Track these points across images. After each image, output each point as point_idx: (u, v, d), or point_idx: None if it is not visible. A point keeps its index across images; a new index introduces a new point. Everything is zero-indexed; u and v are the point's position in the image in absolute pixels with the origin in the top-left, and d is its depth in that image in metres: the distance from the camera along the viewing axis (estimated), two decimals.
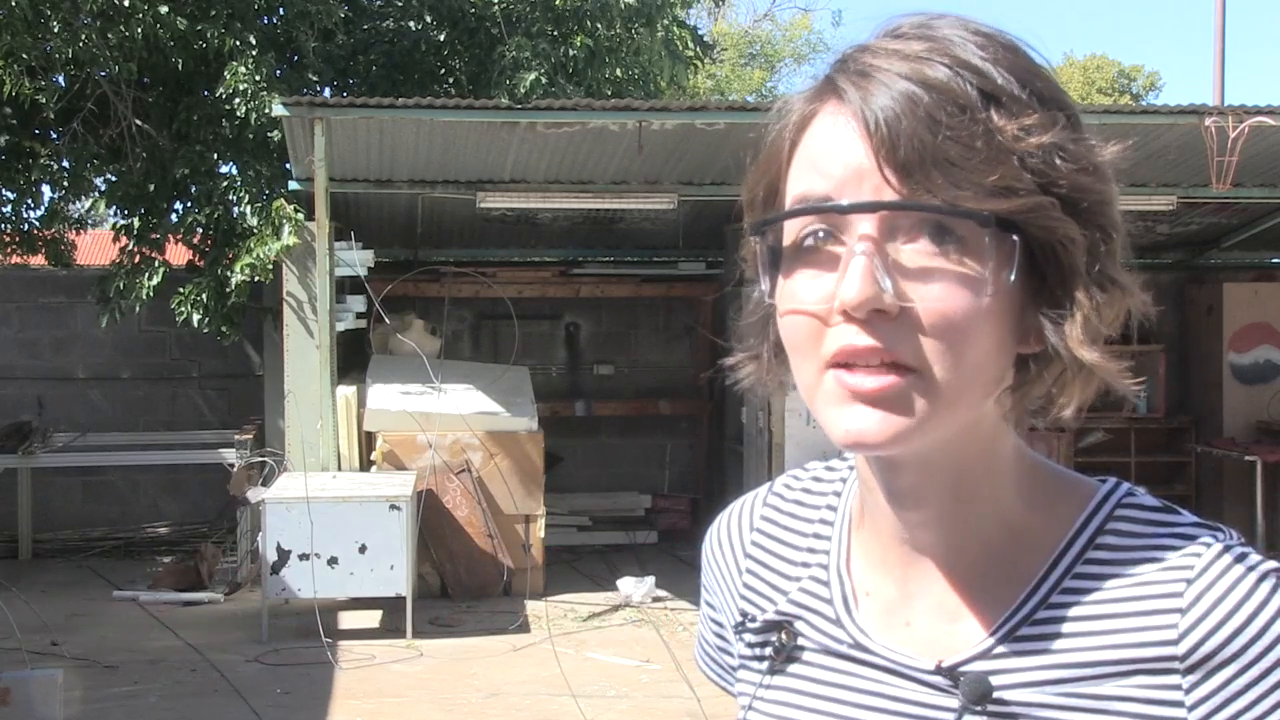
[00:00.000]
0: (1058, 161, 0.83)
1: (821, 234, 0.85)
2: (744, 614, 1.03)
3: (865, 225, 0.82)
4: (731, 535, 1.09)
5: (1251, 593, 0.85)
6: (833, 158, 0.85)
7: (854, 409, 0.83)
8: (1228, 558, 0.87)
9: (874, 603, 0.96)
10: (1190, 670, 0.85)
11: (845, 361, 0.83)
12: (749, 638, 1.02)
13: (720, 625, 1.11)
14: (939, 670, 0.90)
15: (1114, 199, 0.87)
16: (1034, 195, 0.82)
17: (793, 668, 0.98)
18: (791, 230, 0.87)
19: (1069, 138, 0.85)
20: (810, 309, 0.84)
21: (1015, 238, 0.82)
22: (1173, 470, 10.97)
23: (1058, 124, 0.84)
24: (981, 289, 0.82)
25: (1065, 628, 0.88)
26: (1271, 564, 0.88)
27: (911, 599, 0.94)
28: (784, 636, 0.99)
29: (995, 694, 0.88)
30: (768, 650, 1.00)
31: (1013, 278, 0.82)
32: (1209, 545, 0.88)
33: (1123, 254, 0.87)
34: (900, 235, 0.82)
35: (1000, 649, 0.89)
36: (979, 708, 0.88)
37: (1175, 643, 0.85)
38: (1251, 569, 0.86)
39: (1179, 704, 0.85)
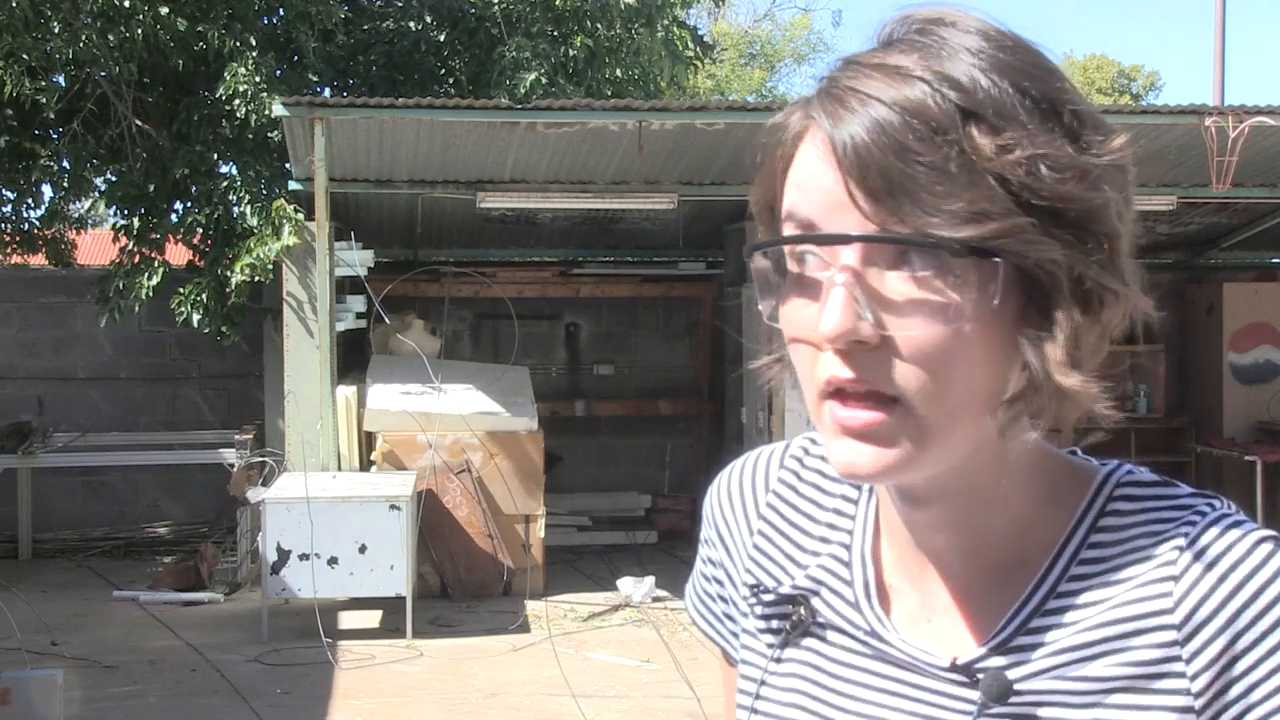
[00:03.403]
0: (1043, 171, 0.80)
1: (809, 258, 0.84)
2: (757, 581, 1.03)
3: (847, 255, 0.81)
4: (744, 489, 1.07)
5: (1245, 557, 0.85)
6: (813, 183, 0.84)
7: (846, 442, 0.83)
8: (1221, 524, 0.87)
9: (894, 596, 0.96)
10: (1188, 639, 0.85)
11: (835, 391, 0.83)
12: (761, 609, 1.02)
13: (720, 582, 1.09)
14: (954, 667, 0.90)
15: (1109, 203, 0.83)
16: (1009, 218, 0.79)
17: (807, 641, 0.98)
18: (788, 253, 0.86)
19: (1058, 143, 0.82)
20: (803, 335, 0.84)
21: (997, 260, 0.80)
22: (1173, 470, 10.94)
23: (1048, 131, 0.82)
24: (961, 317, 0.81)
25: (1074, 615, 0.88)
26: (1267, 530, 0.88)
27: (927, 594, 0.94)
28: (803, 612, 0.98)
29: (1014, 687, 0.88)
30: (785, 624, 0.99)
31: (996, 301, 0.81)
32: (1204, 514, 0.88)
33: (1125, 257, 0.85)
34: (882, 263, 0.81)
35: (1014, 642, 0.89)
36: (999, 704, 0.88)
37: (1171, 611, 0.85)
38: (1245, 534, 0.86)
39: (1181, 675, 0.85)
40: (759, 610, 1.02)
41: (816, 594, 0.98)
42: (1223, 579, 0.85)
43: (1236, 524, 0.87)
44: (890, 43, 0.85)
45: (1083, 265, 0.82)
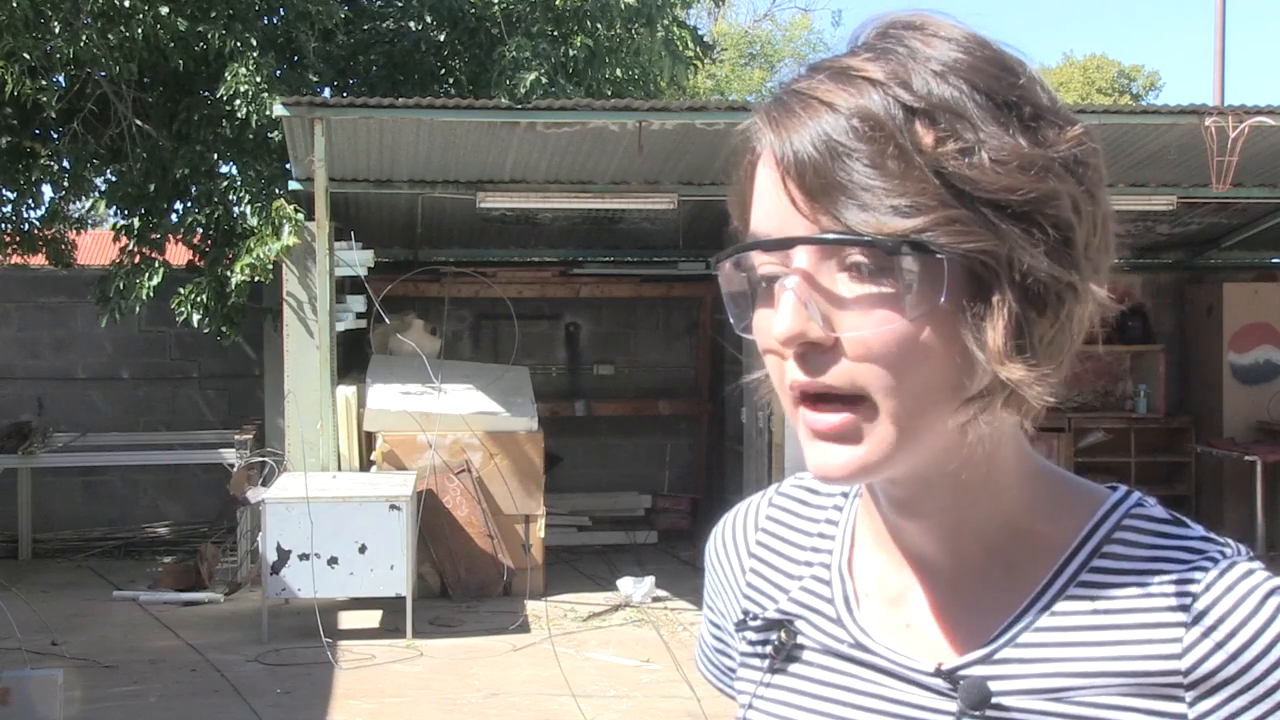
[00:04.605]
0: (985, 160, 0.80)
1: (770, 270, 0.85)
2: (746, 612, 1.03)
3: (799, 259, 0.82)
4: (735, 535, 1.09)
5: (1258, 610, 0.85)
6: (765, 197, 0.85)
7: (817, 445, 0.84)
8: (1235, 573, 0.86)
9: (874, 602, 0.96)
10: (1193, 686, 0.85)
11: (802, 396, 0.84)
12: (750, 635, 1.02)
13: (719, 627, 1.11)
14: (938, 673, 0.90)
15: (1059, 194, 0.82)
16: (942, 209, 0.79)
17: (793, 667, 0.98)
18: (755, 264, 0.87)
19: (1007, 136, 0.81)
20: (769, 345, 0.85)
21: (941, 257, 0.80)
22: (1173, 470, 10.96)
23: (999, 125, 0.81)
24: (907, 313, 0.81)
25: (1068, 637, 0.88)
26: (1278, 580, 0.87)
27: (913, 599, 0.94)
28: (783, 635, 0.98)
29: (994, 699, 0.87)
30: (768, 649, 1.00)
31: (943, 299, 0.80)
32: (1216, 561, 0.87)
33: (1089, 250, 0.84)
34: (833, 266, 0.82)
35: (1001, 654, 0.88)
36: (977, 712, 0.87)
37: (1179, 657, 0.85)
38: (1259, 586, 0.86)
39: (1181, 717, 0.85)
40: (748, 637, 1.02)
41: (800, 616, 0.99)
42: (1234, 633, 0.84)
43: (1249, 574, 0.86)
44: (854, 49, 0.86)
45: (1030, 257, 0.81)
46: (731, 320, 0.89)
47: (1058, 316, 0.83)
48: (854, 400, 0.82)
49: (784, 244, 0.82)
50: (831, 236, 0.81)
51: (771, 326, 0.84)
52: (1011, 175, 0.81)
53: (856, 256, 0.81)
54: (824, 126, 0.81)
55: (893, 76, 0.82)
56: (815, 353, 0.82)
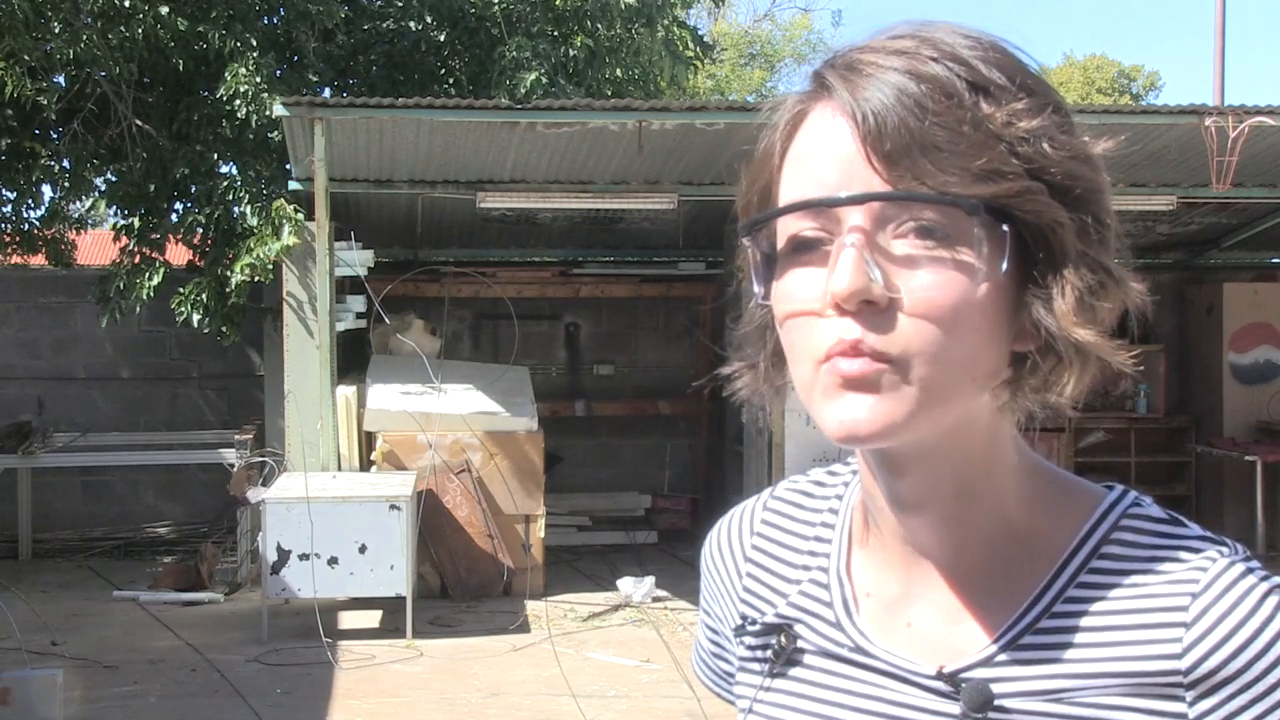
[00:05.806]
0: (1047, 147, 0.83)
1: (813, 232, 0.84)
2: (744, 617, 1.03)
3: (856, 217, 0.82)
4: (731, 540, 1.09)
5: (1257, 609, 0.85)
6: (823, 155, 0.84)
7: (845, 399, 0.82)
8: (1234, 573, 0.86)
9: (874, 604, 0.96)
10: (1193, 685, 0.85)
11: (838, 354, 0.83)
12: (748, 640, 1.02)
13: (716, 632, 1.10)
14: (940, 676, 0.90)
15: (1106, 189, 0.86)
16: (1022, 180, 0.81)
17: (793, 671, 0.98)
18: (784, 232, 0.86)
19: (1058, 125, 0.84)
20: (804, 307, 0.84)
21: (1005, 227, 0.82)
22: (1173, 470, 10.96)
23: (1046, 110, 0.84)
24: (973, 278, 0.81)
25: (1068, 638, 0.88)
26: (1278, 579, 0.87)
27: (913, 600, 0.93)
28: (783, 640, 0.98)
29: (996, 701, 0.87)
30: (767, 653, 1.00)
31: (1004, 267, 0.82)
32: (1214, 560, 0.87)
33: (1117, 246, 0.87)
34: (891, 226, 0.82)
35: (1003, 657, 0.88)
36: (979, 715, 0.87)
37: (1179, 657, 0.85)
38: (1257, 585, 0.86)
39: (1182, 717, 0.85)
40: (747, 641, 1.02)
41: (800, 620, 0.98)
42: (1234, 632, 0.84)
43: (1248, 572, 0.87)
44: (886, 38, 0.87)
45: (1084, 241, 0.84)
46: (756, 289, 0.89)
47: (1095, 308, 0.85)
48: (889, 358, 0.82)
49: (861, 199, 0.82)
50: (920, 193, 0.81)
51: (810, 288, 0.84)
52: (1072, 163, 0.84)
53: (924, 217, 0.82)
54: (903, 85, 0.82)
55: (946, 56, 0.83)
56: (869, 311, 0.82)
